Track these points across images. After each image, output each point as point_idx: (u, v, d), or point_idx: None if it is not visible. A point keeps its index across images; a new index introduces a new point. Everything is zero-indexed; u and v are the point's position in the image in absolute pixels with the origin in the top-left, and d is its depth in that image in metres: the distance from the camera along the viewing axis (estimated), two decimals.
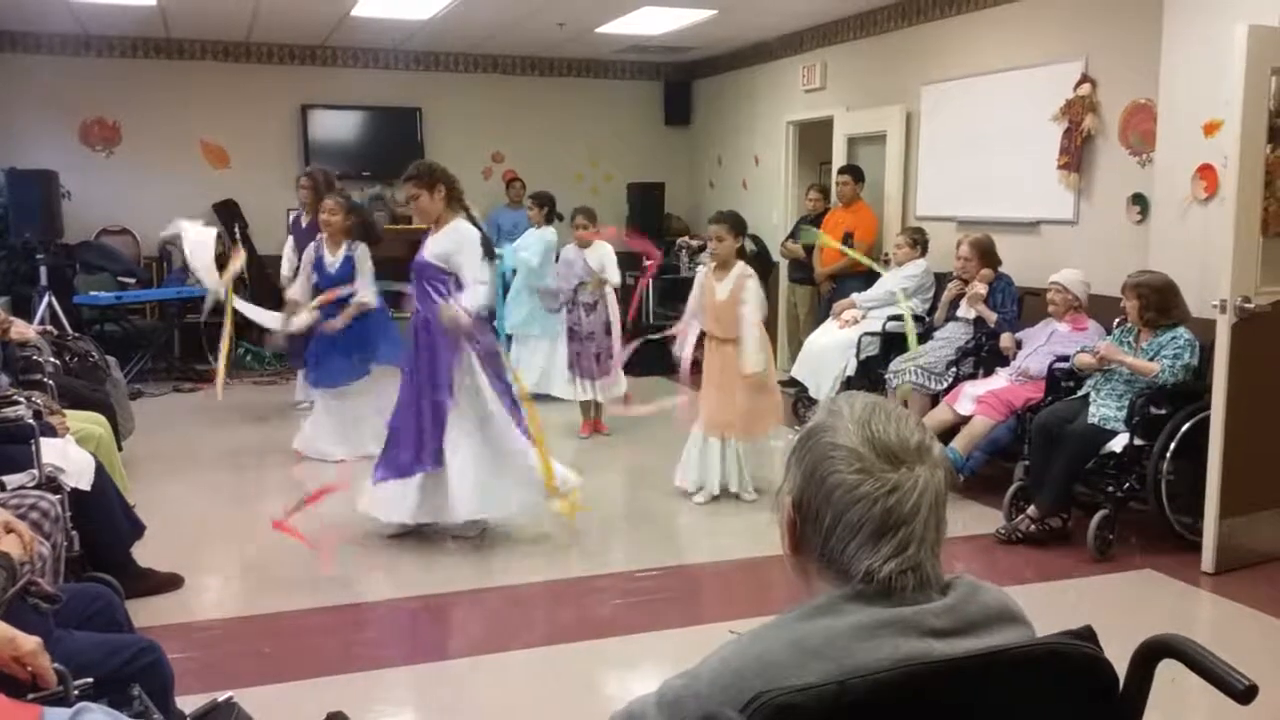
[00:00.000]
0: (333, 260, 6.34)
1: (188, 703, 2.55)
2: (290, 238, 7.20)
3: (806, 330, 7.99)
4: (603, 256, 7.01)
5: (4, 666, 1.95)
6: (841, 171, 8.08)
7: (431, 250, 4.84)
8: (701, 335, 5.65)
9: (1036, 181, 6.54)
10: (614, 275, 7.02)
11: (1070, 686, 1.31)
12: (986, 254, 6.22)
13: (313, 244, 6.39)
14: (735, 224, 5.54)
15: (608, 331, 7.07)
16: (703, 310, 5.59)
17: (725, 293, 5.45)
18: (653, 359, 7.48)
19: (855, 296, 7.21)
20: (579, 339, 7.03)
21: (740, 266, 5.49)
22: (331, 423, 6.45)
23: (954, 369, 6.05)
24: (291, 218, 7.42)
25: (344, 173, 7.57)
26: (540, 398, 7.86)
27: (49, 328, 6.41)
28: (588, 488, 6.21)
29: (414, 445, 4.78)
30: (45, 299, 7.98)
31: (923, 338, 6.53)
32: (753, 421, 5.55)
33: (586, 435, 7.14)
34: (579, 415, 7.25)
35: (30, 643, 1.97)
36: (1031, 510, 4.94)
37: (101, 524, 3.87)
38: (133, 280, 9.14)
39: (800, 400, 7.42)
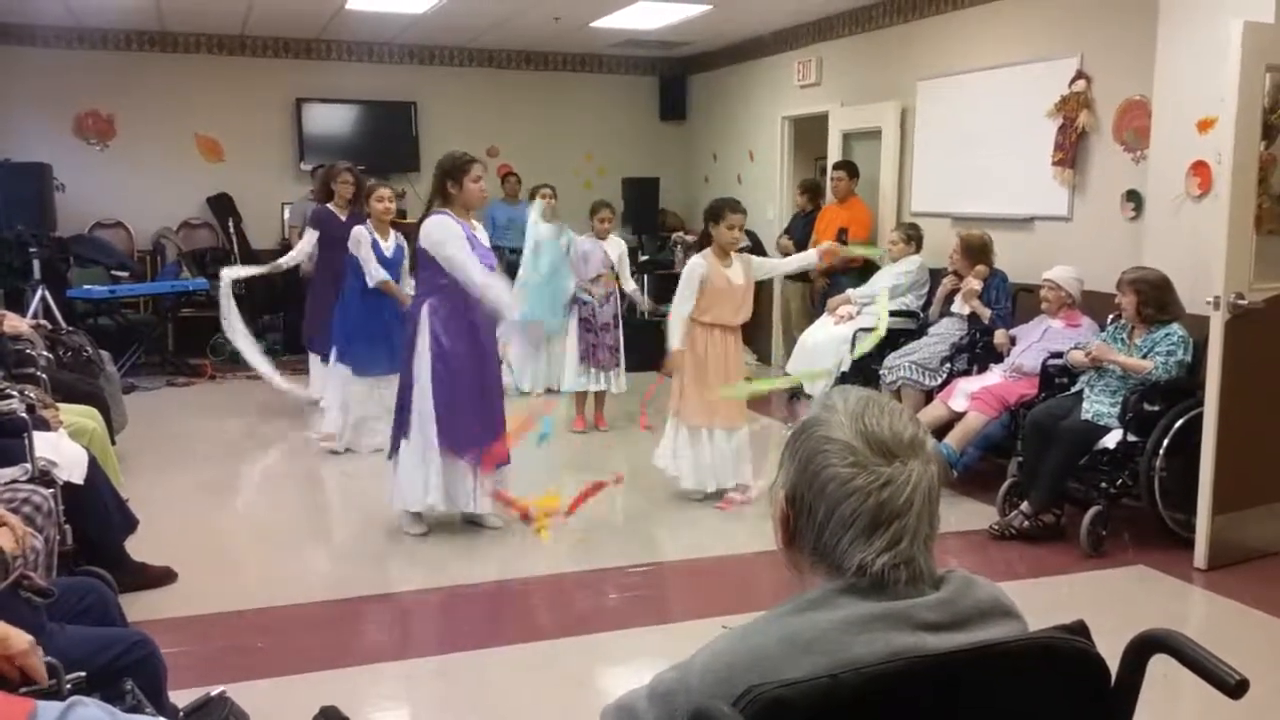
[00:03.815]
0: (388, 245, 6.45)
1: (181, 697, 2.55)
2: (313, 231, 7.12)
3: (800, 326, 7.99)
4: (621, 251, 7.09)
5: None
6: (836, 167, 8.08)
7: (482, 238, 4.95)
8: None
9: (1031, 178, 6.54)
10: (626, 275, 7.19)
11: (1063, 681, 1.31)
12: (972, 252, 6.21)
13: (362, 229, 6.37)
14: (743, 212, 5.52)
15: (618, 324, 7.11)
16: (714, 301, 5.33)
17: (741, 278, 5.38)
18: (647, 353, 7.47)
19: (850, 292, 7.22)
20: (594, 330, 7.03)
21: (739, 254, 5.51)
22: (341, 414, 6.47)
23: (948, 365, 6.06)
24: (310, 211, 7.38)
25: (350, 168, 7.53)
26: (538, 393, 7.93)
27: (42, 321, 6.38)
28: (581, 481, 6.23)
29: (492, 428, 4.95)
30: (38, 292, 7.96)
31: (917, 334, 6.55)
32: (742, 409, 5.53)
33: (582, 430, 7.13)
34: (571, 410, 7.26)
35: (22, 642, 1.96)
36: (1025, 506, 4.94)
37: (94, 518, 3.87)
38: (126, 274, 9.10)
39: (794, 396, 7.43)
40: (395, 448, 4.92)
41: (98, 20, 9.15)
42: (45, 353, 5.13)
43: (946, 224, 7.16)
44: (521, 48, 10.74)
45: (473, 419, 4.84)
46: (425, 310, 4.79)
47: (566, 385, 7.33)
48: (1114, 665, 1.37)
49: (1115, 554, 4.77)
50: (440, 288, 4.78)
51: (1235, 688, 1.33)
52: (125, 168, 9.65)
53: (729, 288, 5.35)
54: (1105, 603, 4.29)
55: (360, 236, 6.32)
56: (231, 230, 9.92)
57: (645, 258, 9.89)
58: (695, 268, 5.36)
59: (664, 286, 9.81)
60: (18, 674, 1.96)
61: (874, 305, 6.76)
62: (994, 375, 5.71)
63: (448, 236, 4.69)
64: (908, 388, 6.09)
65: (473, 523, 5.08)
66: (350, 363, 6.46)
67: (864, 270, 7.66)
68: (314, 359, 7.29)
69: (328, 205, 7.19)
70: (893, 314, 6.81)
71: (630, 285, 7.24)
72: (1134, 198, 5.86)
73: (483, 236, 4.96)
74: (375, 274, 6.29)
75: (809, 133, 9.30)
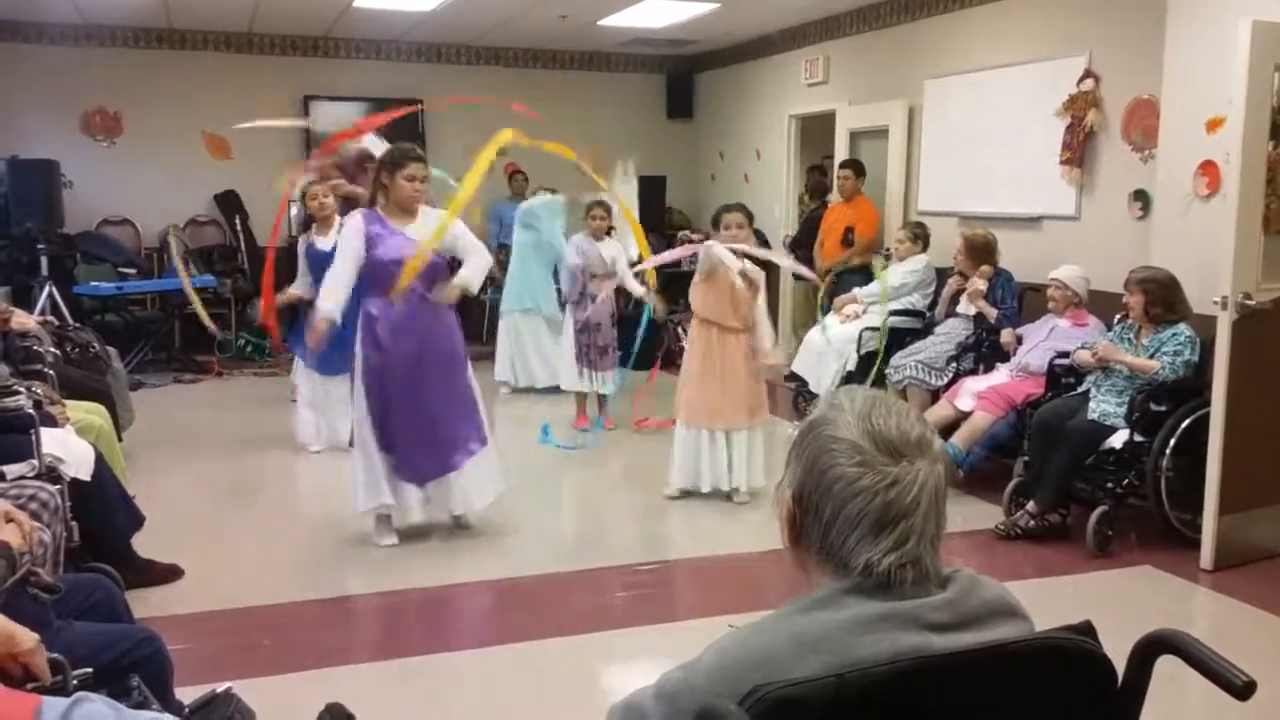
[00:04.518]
0: (328, 241, 6.29)
1: (186, 694, 2.55)
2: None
3: (805, 325, 7.99)
4: (616, 254, 7.04)
5: (0, 663, 1.95)
6: (843, 166, 8.07)
7: (426, 240, 4.62)
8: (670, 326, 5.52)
9: (1038, 177, 6.53)
10: (629, 278, 6.75)
11: (1069, 682, 1.31)
12: (976, 251, 6.20)
13: (300, 237, 6.40)
14: (749, 214, 5.50)
15: (614, 324, 7.10)
16: (711, 295, 5.36)
17: (739, 279, 5.37)
18: (651, 352, 7.51)
19: (856, 291, 7.21)
20: (588, 330, 7.03)
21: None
22: (312, 413, 6.48)
23: (954, 364, 6.05)
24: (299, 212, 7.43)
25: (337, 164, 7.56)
26: (548, 391, 7.94)
27: (49, 318, 6.41)
28: (589, 481, 6.25)
29: (454, 435, 4.76)
30: (46, 289, 7.98)
31: (923, 333, 6.54)
32: (757, 408, 5.49)
33: (585, 428, 7.12)
34: (572, 409, 7.27)
35: (29, 640, 1.97)
36: (1031, 506, 4.93)
37: (101, 515, 3.88)
38: (133, 271, 9.13)
39: (800, 395, 7.42)
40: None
41: (105, 18, 9.17)
42: (52, 349, 5.14)
43: (954, 223, 7.15)
44: (529, 46, 10.74)
45: (409, 426, 4.64)
46: (360, 311, 4.68)
47: (565, 384, 7.33)
48: (1120, 665, 1.37)
49: (1121, 554, 4.76)
50: (373, 288, 4.62)
51: (1242, 689, 1.33)
52: (132, 165, 9.66)
53: (728, 287, 5.30)
54: (1111, 603, 4.28)
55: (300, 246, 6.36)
56: (238, 227, 9.94)
57: None
58: (710, 253, 5.33)
59: (672, 285, 9.82)
60: (22, 671, 1.96)
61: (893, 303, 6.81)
62: (1000, 375, 5.70)
63: (341, 245, 4.62)
64: (914, 387, 6.08)
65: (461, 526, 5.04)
66: (310, 363, 6.49)
67: (869, 270, 7.65)
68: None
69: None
70: (899, 313, 6.83)
71: (637, 289, 6.82)
72: (1142, 197, 5.85)
73: (418, 233, 4.58)
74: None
75: (816, 131, 9.29)
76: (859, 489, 1.26)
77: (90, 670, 2.08)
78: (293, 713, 3.04)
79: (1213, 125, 4.97)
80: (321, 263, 6.31)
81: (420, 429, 4.69)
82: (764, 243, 9.13)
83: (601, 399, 7.19)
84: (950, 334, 6.25)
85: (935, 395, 5.98)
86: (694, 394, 5.42)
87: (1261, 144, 4.39)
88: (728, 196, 8.83)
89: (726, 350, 5.38)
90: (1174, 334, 4.80)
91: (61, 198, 8.99)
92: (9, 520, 2.43)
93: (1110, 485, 4.78)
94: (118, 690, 2.13)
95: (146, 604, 3.82)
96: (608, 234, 7.10)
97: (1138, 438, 4.72)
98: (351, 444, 4.83)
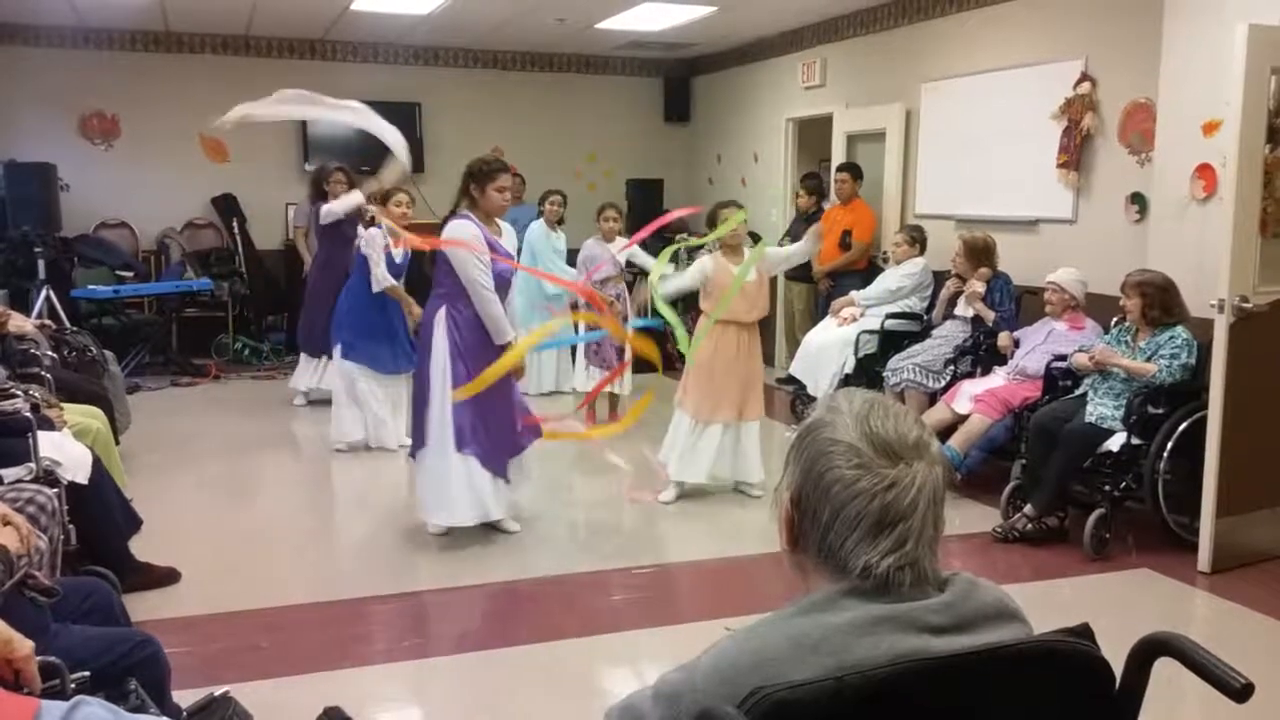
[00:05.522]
0: (398, 250, 6.33)
1: (184, 697, 2.56)
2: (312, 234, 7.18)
3: (804, 328, 8.00)
4: (631, 250, 7.10)
5: None
6: (840, 169, 8.07)
7: (511, 247, 4.88)
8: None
9: (1036, 180, 6.54)
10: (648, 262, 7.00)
11: (1067, 684, 1.31)
12: (975, 254, 6.21)
13: (376, 230, 6.25)
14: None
15: (626, 325, 7.12)
16: (719, 298, 5.37)
17: (753, 274, 5.37)
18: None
19: (854, 294, 7.21)
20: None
21: (749, 248, 5.55)
22: (357, 410, 6.47)
23: (952, 367, 6.06)
24: (310, 211, 7.45)
25: (341, 167, 7.59)
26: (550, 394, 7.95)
27: (47, 321, 6.39)
28: (587, 482, 6.25)
29: (511, 429, 4.86)
30: (43, 292, 7.97)
31: (920, 336, 6.55)
32: (755, 403, 5.55)
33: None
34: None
35: (25, 647, 1.96)
36: (1028, 509, 4.94)
37: (99, 518, 3.87)
38: (131, 274, 9.11)
39: (798, 398, 7.43)
40: (414, 454, 4.94)
41: (102, 21, 9.17)
42: (50, 352, 5.13)
43: (950, 226, 7.16)
44: (526, 49, 10.74)
45: (497, 423, 4.77)
46: (444, 312, 4.70)
47: (576, 385, 7.34)
48: (1118, 668, 1.37)
49: (1119, 557, 4.76)
50: (461, 291, 4.68)
51: (1240, 691, 1.33)
52: (130, 168, 9.66)
53: (749, 287, 5.35)
54: (1108, 606, 4.29)
55: (373, 237, 6.24)
56: (236, 231, 9.93)
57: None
58: (703, 264, 5.45)
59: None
60: (13, 678, 1.95)
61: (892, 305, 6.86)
62: (998, 378, 5.71)
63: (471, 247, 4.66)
64: (911, 390, 6.09)
65: (490, 526, 5.05)
66: (362, 360, 6.44)
67: (867, 272, 7.66)
68: (303, 356, 7.43)
69: (323, 206, 7.23)
70: (896, 316, 6.84)
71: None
72: (1138, 200, 5.85)
73: (508, 240, 4.87)
74: (381, 279, 6.22)
75: (813, 134, 9.30)
76: (857, 491, 1.26)
77: (88, 674, 2.08)
78: (291, 716, 3.05)
79: (1209, 128, 4.98)
80: (393, 271, 6.32)
81: (509, 421, 4.82)
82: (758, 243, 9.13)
83: (613, 397, 7.21)
84: (948, 337, 6.25)
85: (933, 398, 5.98)
86: (698, 388, 5.43)
87: (1258, 147, 4.40)
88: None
89: (740, 347, 5.47)
90: (1171, 337, 4.81)
91: (59, 201, 8.98)
92: (6, 523, 2.43)
93: (1108, 488, 4.79)
94: (115, 694, 2.13)
95: (144, 607, 3.82)
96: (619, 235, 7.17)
97: (1135, 440, 4.73)
98: (414, 454, 4.90)
